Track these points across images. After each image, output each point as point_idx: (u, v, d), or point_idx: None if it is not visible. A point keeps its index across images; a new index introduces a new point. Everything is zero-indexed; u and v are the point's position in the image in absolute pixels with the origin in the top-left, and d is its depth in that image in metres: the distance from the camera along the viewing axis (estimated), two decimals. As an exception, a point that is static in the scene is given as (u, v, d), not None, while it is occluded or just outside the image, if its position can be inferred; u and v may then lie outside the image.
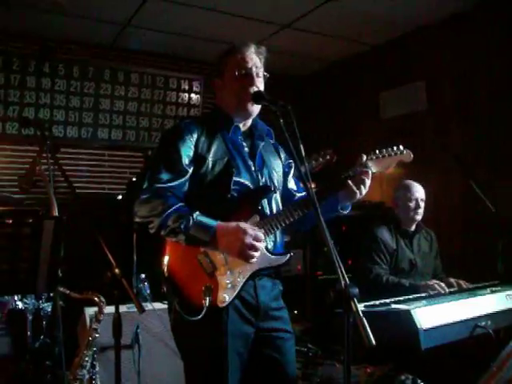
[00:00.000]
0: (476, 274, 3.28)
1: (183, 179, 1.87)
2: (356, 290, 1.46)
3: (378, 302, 2.58)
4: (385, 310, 2.38)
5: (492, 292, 2.72)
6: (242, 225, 1.78)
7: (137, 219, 1.84)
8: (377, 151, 2.03)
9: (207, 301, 1.74)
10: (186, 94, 5.24)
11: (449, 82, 4.23)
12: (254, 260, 1.79)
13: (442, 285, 2.88)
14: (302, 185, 2.11)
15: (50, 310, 3.60)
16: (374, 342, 1.39)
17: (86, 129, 4.79)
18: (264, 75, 2.03)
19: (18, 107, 4.46)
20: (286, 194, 2.14)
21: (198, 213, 1.79)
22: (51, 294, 3.42)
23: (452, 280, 3.07)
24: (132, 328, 2.98)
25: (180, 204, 1.82)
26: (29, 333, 3.41)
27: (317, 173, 3.60)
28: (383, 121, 4.85)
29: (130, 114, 4.99)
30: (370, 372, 2.36)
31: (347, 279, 1.48)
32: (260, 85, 1.99)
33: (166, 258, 1.86)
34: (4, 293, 1.74)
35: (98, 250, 2.03)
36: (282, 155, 2.17)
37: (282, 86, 5.69)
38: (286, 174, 2.16)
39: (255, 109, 2.00)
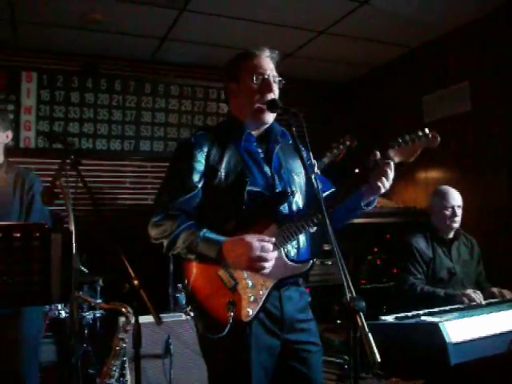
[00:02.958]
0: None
1: (192, 194, 1.86)
2: (363, 304, 1.40)
3: (410, 314, 2.49)
4: (414, 322, 2.29)
5: (536, 303, 2.56)
6: (249, 237, 1.72)
7: (152, 240, 1.87)
8: (399, 139, 1.86)
9: (231, 316, 1.72)
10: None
11: (493, 81, 4.04)
12: (266, 271, 1.74)
13: (479, 294, 2.73)
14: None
15: (91, 318, 3.72)
16: (378, 359, 1.32)
17: (128, 141, 4.92)
18: (279, 81, 1.98)
19: (63, 122, 4.65)
20: (310, 195, 2.02)
21: (205, 230, 1.78)
22: (92, 304, 3.54)
23: (495, 290, 2.92)
24: (165, 337, 3.01)
25: (189, 223, 1.81)
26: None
27: (340, 161, 3.56)
28: (427, 124, 4.66)
29: (171, 126, 5.08)
30: (399, 387, 2.26)
31: (353, 292, 1.43)
32: (276, 91, 1.96)
33: (190, 277, 1.85)
34: (20, 304, 1.80)
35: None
36: (304, 155, 2.10)
37: (323, 92, 5.67)
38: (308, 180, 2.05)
39: (271, 117, 1.96)
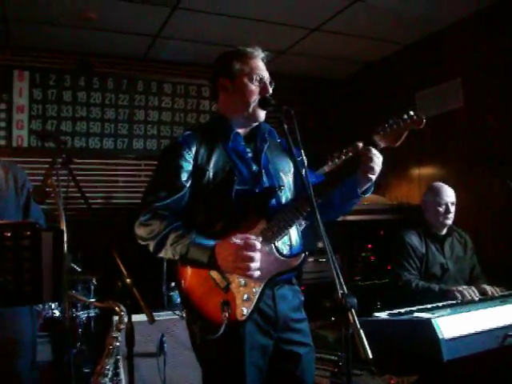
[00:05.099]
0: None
1: (180, 194, 1.85)
2: (354, 300, 1.40)
3: (403, 310, 2.50)
4: (407, 318, 2.29)
5: (526, 300, 2.56)
6: (234, 238, 1.70)
7: (139, 241, 1.86)
8: (383, 123, 1.88)
9: (226, 316, 1.72)
10: (220, 102, 5.27)
11: (486, 77, 4.05)
12: (251, 273, 1.69)
13: (472, 291, 2.75)
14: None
15: (85, 318, 3.71)
16: (370, 355, 1.32)
17: (121, 140, 4.91)
18: (270, 82, 2.00)
19: (55, 121, 4.63)
20: (299, 193, 2.01)
21: (195, 234, 1.77)
22: (86, 303, 3.53)
23: (487, 287, 2.92)
24: (159, 336, 3.01)
25: (177, 223, 1.80)
26: (65, 340, 3.52)
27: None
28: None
29: (165, 124, 5.07)
30: (394, 383, 2.27)
31: (345, 288, 1.42)
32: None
33: (183, 279, 1.85)
34: (11, 304, 1.79)
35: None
36: (296, 154, 2.10)
37: (317, 89, 5.67)
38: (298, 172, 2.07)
39: (263, 115, 1.99)
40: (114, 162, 4.92)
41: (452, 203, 3.17)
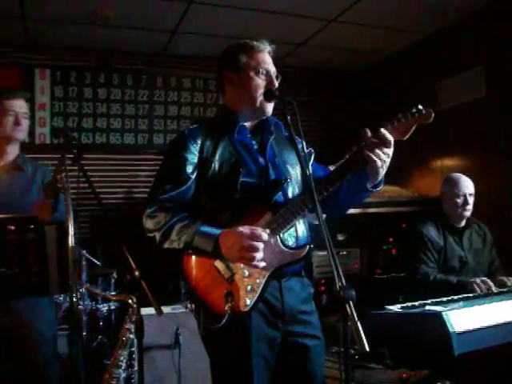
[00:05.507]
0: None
1: (185, 186, 1.87)
2: (352, 293, 1.39)
3: (416, 303, 2.46)
4: (418, 311, 2.26)
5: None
6: (240, 228, 1.71)
7: (146, 233, 1.88)
8: (393, 118, 1.82)
9: (229, 307, 1.73)
10: (238, 96, 5.28)
11: (508, 65, 3.93)
12: (256, 263, 1.69)
13: (490, 283, 2.69)
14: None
15: (106, 310, 3.77)
16: (367, 348, 1.31)
17: (141, 135, 4.97)
18: (276, 76, 1.99)
19: (77, 118, 4.71)
20: (306, 186, 1.98)
21: (200, 223, 1.78)
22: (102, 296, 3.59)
23: (505, 278, 2.85)
24: (175, 328, 3.04)
25: (182, 214, 1.82)
26: (84, 333, 3.59)
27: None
28: (441, 111, 4.59)
29: (184, 119, 5.11)
30: (405, 377, 2.24)
31: (343, 281, 1.41)
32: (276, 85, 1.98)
33: (188, 270, 1.86)
34: (19, 296, 1.84)
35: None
36: (299, 146, 2.09)
37: (337, 81, 5.62)
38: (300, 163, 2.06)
39: (271, 108, 1.99)
40: (135, 157, 4.98)
41: (470, 194, 3.10)
